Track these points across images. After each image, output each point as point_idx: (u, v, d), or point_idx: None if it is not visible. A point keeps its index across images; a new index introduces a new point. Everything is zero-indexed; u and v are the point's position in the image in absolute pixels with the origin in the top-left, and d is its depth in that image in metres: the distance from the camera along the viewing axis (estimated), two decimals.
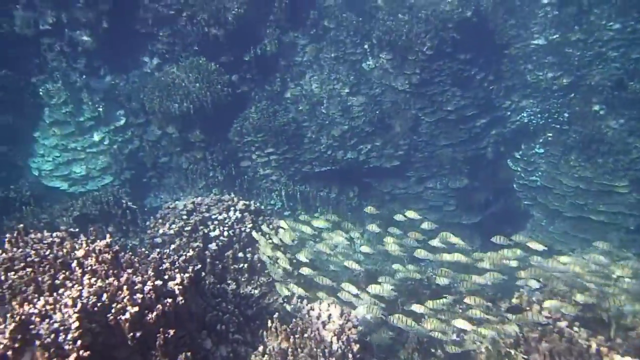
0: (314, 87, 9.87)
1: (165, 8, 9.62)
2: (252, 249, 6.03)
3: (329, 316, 4.93)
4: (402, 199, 10.03)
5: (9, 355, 2.81)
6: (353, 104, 9.76)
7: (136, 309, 3.39)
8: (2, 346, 2.76)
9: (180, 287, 3.84)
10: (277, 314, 4.80)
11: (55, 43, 9.38)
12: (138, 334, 3.43)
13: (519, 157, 9.87)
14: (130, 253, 3.76)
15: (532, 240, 5.92)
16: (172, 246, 5.34)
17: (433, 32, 9.28)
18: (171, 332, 3.56)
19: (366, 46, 9.91)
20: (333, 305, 5.03)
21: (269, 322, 4.57)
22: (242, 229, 6.05)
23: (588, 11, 9.28)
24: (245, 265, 5.85)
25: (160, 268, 3.82)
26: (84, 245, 3.58)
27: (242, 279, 5.81)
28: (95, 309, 3.24)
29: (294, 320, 4.72)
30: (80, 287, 3.24)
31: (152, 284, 3.59)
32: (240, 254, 5.84)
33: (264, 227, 6.17)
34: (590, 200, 8.60)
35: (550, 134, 9.59)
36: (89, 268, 3.43)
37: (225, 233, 5.92)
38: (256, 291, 5.79)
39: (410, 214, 6.70)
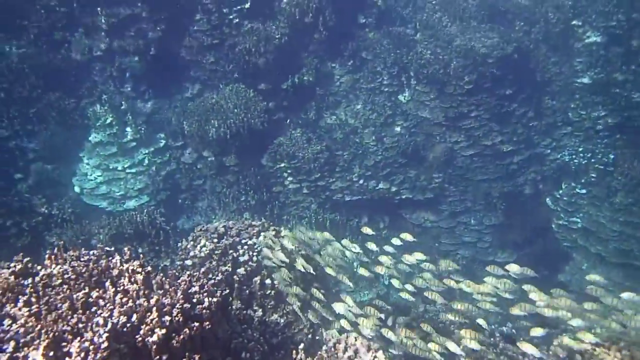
0: (349, 117, 9.95)
1: (210, 37, 10.03)
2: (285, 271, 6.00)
3: (356, 351, 4.81)
4: (434, 233, 9.85)
5: None
6: (387, 134, 9.76)
7: (164, 331, 3.40)
8: None
9: (208, 311, 3.84)
10: (302, 345, 4.72)
11: (105, 68, 9.92)
12: (164, 357, 3.43)
13: (559, 196, 9.54)
14: (162, 274, 3.80)
15: (525, 267, 5.85)
16: (202, 269, 5.37)
17: (472, 67, 9.26)
18: (196, 357, 3.54)
19: (403, 78, 9.96)
20: (360, 340, 4.90)
21: (294, 353, 4.48)
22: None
23: (637, 52, 9.03)
24: (272, 292, 5.81)
25: (190, 291, 3.83)
26: (118, 264, 3.65)
27: (269, 306, 5.77)
28: (125, 329, 3.27)
29: (319, 352, 4.62)
30: (112, 307, 3.29)
31: (180, 306, 3.60)
32: (268, 280, 5.81)
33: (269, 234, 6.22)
34: (637, 246, 8.15)
35: (594, 175, 9.23)
36: (122, 287, 3.49)
37: (254, 258, 5.93)
38: (282, 319, 5.73)
39: (406, 236, 6.70)
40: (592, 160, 9.32)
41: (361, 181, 9.57)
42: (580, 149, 9.55)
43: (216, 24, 10.08)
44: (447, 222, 9.85)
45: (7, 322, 3.02)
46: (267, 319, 5.39)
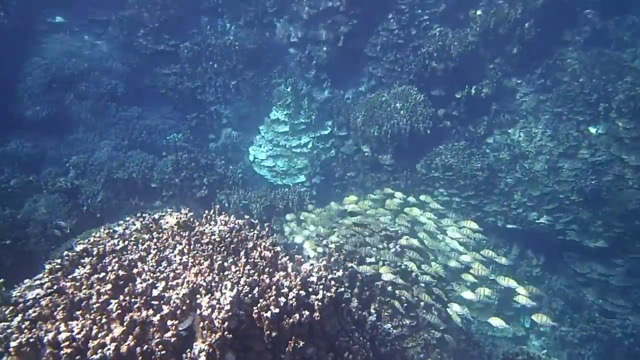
0: (522, 139, 9.10)
1: (396, 37, 10.18)
2: (404, 287, 5.96)
3: None
4: (599, 287, 8.56)
5: (177, 314, 3.42)
6: (565, 166, 8.66)
7: (277, 310, 3.73)
8: (175, 305, 3.38)
9: (320, 303, 4.06)
10: None
11: (297, 54, 10.91)
12: (274, 334, 3.77)
13: None
14: (288, 257, 4.15)
15: None
16: (324, 261, 5.66)
17: None
18: (301, 343, 3.81)
19: (600, 108, 8.64)
20: None
21: None
22: (399, 264, 6.02)
23: None
24: (392, 300, 5.82)
25: (308, 280, 4.11)
26: (255, 238, 4.11)
27: (385, 313, 5.80)
28: (246, 298, 3.68)
29: None
30: (240, 275, 3.74)
31: (296, 292, 3.89)
32: (390, 288, 5.83)
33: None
34: None
35: None
36: (252, 260, 3.93)
37: (380, 263, 5.98)
38: (395, 331, 5.72)
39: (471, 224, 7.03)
40: None
41: (520, 210, 8.74)
42: None
43: (405, 24, 10.17)
44: (620, 280, 8.45)
45: (164, 263, 3.70)
46: (379, 326, 5.43)
